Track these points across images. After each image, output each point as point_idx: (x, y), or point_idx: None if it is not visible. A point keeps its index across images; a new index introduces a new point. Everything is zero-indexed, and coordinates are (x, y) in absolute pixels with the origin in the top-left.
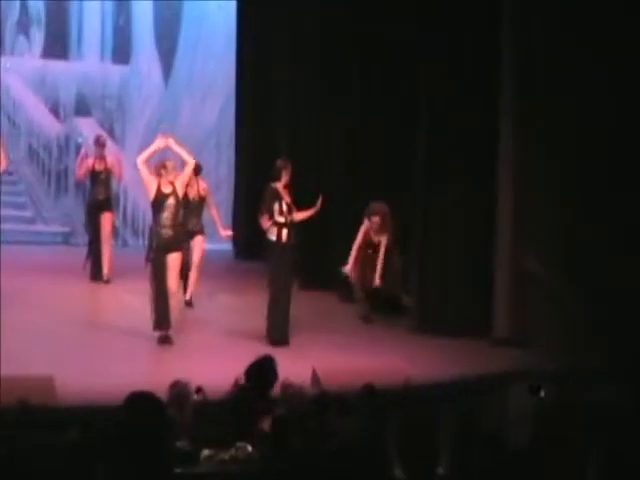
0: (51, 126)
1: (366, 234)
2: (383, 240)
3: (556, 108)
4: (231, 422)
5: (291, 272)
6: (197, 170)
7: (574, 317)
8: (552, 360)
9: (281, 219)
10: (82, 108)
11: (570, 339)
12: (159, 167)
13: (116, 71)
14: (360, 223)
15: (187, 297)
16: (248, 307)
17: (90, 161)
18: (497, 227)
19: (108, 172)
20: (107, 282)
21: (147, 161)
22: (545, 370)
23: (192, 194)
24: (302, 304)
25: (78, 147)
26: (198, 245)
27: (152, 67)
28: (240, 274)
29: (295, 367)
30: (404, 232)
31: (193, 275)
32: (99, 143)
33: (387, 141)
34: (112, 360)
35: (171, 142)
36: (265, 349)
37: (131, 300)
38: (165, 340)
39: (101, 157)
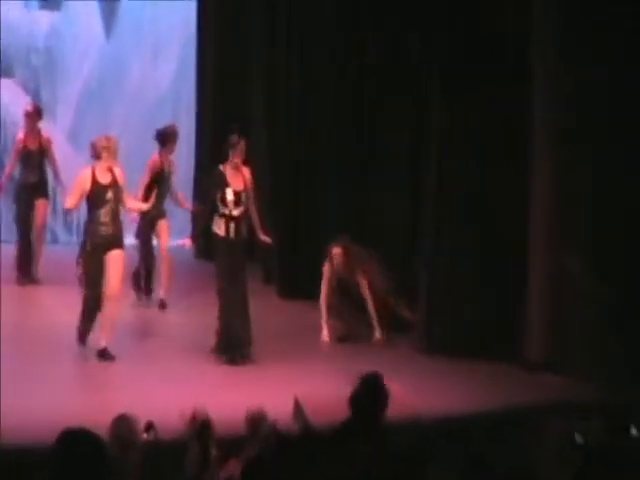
0: None
1: (331, 277)
2: (360, 277)
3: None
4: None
5: (244, 273)
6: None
7: (625, 339)
8: (597, 389)
9: (225, 210)
10: (2, 66)
11: (618, 363)
12: (100, 145)
13: (44, 18)
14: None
15: (161, 296)
16: (210, 316)
17: (20, 137)
18: (529, 228)
19: (43, 150)
20: (37, 283)
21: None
22: (589, 401)
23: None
24: (280, 316)
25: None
26: (163, 232)
27: (90, 13)
28: (200, 277)
29: (270, 395)
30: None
31: (164, 269)
32: (33, 114)
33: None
34: (39, 385)
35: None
36: (230, 370)
37: (63, 307)
38: (103, 355)
39: (34, 132)
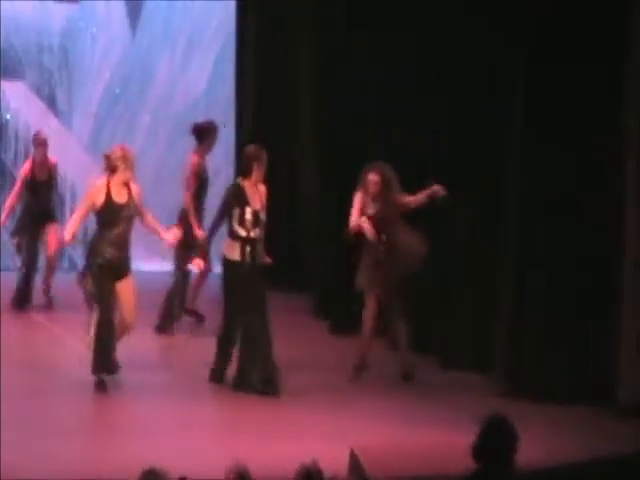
0: None
1: (363, 207)
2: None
3: None
4: None
5: (264, 304)
6: None
7: None
8: None
9: (242, 231)
10: (9, 66)
11: None
12: (114, 157)
13: (60, 12)
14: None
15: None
16: None
17: (26, 167)
18: (623, 276)
19: (51, 178)
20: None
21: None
22: None
23: None
24: (332, 351)
25: (3, 126)
26: None
27: (112, 7)
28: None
29: (320, 443)
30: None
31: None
32: (39, 141)
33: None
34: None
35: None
36: (271, 415)
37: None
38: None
39: (44, 161)
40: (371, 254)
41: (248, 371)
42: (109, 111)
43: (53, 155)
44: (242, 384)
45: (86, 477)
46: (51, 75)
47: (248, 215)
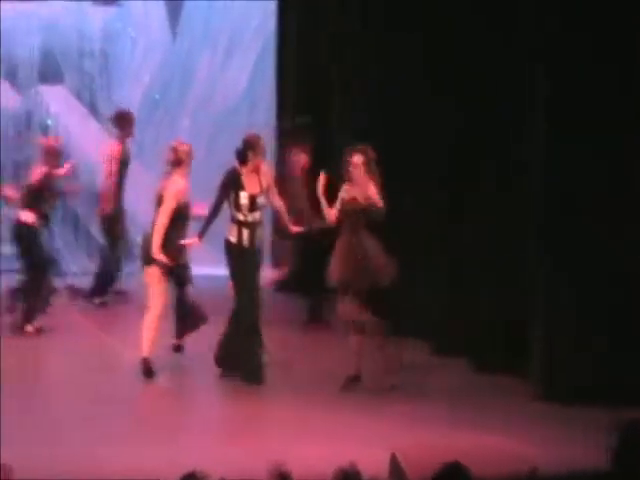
0: (5, 98)
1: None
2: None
3: None
4: None
5: (257, 283)
6: None
7: None
8: None
9: (239, 215)
10: (49, 71)
11: None
12: (181, 150)
13: (98, 15)
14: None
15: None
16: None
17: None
18: None
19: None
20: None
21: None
22: None
23: None
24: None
25: (45, 129)
26: None
27: (152, 8)
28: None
29: (356, 446)
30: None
31: None
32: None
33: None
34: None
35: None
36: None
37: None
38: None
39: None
40: (344, 246)
41: (232, 354)
42: (149, 114)
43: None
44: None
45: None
46: (92, 79)
47: (244, 200)
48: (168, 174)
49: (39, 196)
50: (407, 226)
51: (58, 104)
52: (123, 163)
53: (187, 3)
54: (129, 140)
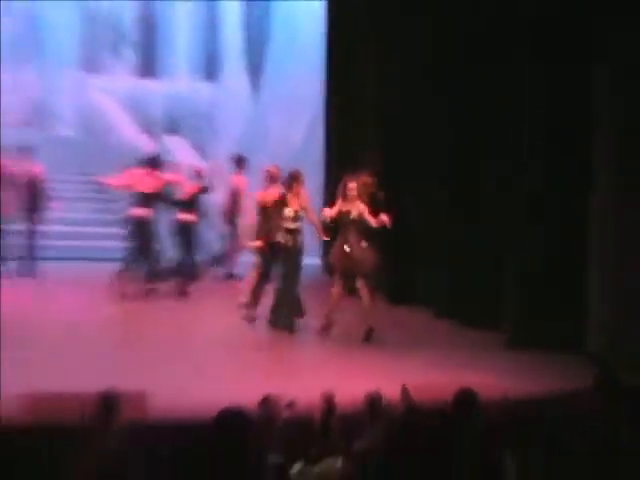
0: (141, 142)
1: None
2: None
3: None
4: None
5: (298, 271)
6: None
7: None
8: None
9: (286, 224)
10: (172, 126)
11: None
12: (297, 176)
13: (205, 88)
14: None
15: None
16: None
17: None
18: (590, 237)
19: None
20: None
21: None
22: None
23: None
24: (391, 319)
25: (170, 167)
26: None
27: (240, 84)
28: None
29: (382, 381)
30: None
31: None
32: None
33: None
34: (203, 375)
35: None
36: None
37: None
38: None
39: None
40: (342, 239)
41: (276, 311)
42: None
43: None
44: (272, 321)
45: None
46: (201, 132)
47: (288, 214)
48: (267, 187)
49: (194, 203)
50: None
51: (178, 149)
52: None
53: (264, 77)
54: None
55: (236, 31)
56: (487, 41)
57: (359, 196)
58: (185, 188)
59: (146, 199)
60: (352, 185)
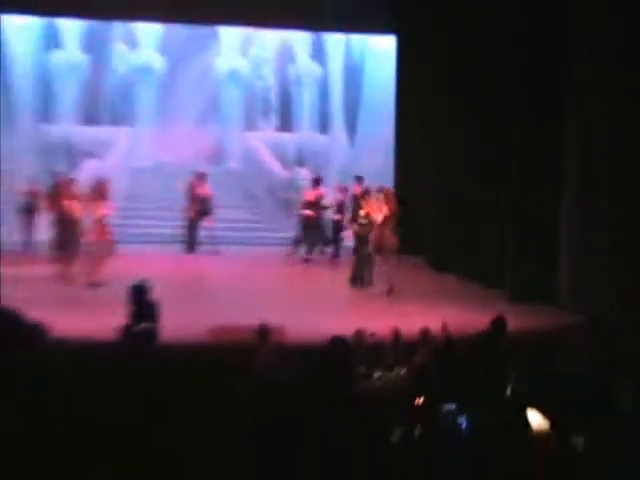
0: (281, 172)
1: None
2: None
3: None
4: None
5: (366, 250)
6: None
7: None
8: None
9: (360, 220)
10: (300, 162)
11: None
12: (366, 192)
13: (321, 138)
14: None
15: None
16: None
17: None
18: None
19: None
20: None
21: None
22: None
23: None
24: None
25: (299, 187)
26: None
27: (341, 135)
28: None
29: (411, 322)
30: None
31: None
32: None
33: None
34: (329, 314)
35: None
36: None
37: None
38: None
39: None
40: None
41: (356, 275)
42: (343, 181)
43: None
44: (353, 282)
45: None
46: (318, 166)
47: (362, 213)
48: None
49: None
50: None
51: (304, 176)
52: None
53: (357, 130)
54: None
55: (339, 97)
56: None
57: (379, 202)
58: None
59: (311, 205)
60: (374, 195)
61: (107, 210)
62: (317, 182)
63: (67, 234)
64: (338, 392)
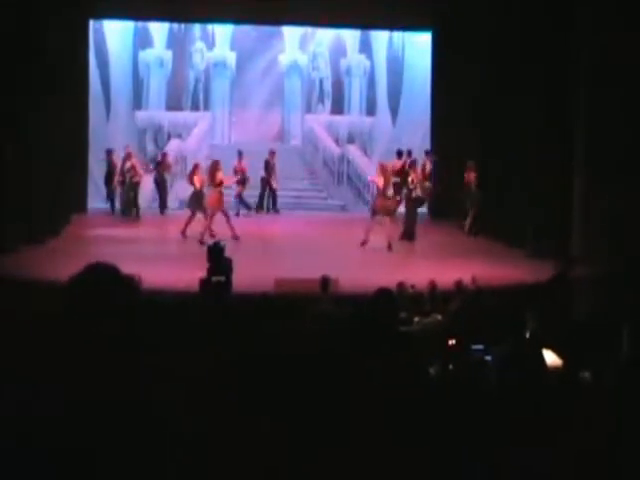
0: (334, 149)
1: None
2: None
3: None
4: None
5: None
6: None
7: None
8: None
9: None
10: (350, 140)
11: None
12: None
13: (368, 120)
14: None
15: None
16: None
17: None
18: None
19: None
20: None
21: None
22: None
23: None
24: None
25: (349, 161)
26: None
27: (386, 117)
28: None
29: (445, 275)
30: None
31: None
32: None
33: None
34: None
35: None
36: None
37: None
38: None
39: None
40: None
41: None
42: (386, 158)
43: None
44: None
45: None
46: (365, 143)
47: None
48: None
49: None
50: None
51: (353, 152)
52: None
53: (399, 112)
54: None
55: (383, 85)
56: None
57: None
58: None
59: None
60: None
61: (224, 181)
62: (400, 154)
63: (194, 201)
64: (385, 333)
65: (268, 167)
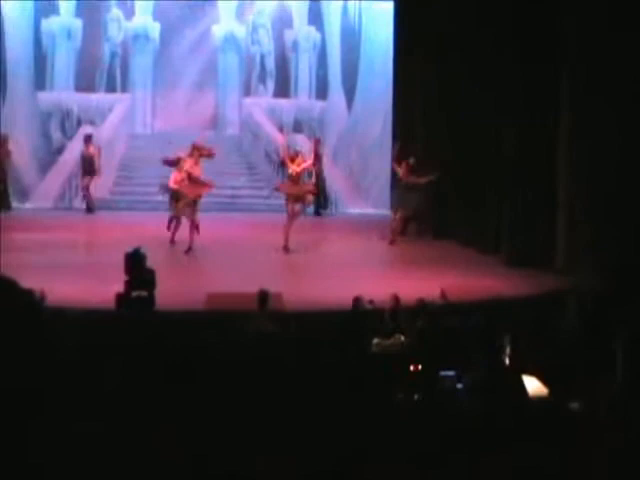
0: (278, 138)
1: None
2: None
3: None
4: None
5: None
6: None
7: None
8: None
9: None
10: (297, 128)
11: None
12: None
13: (318, 104)
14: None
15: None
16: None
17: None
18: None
19: None
20: None
21: None
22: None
23: None
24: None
25: (297, 152)
26: None
27: (340, 101)
28: None
29: (423, 289)
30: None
31: None
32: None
33: None
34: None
35: None
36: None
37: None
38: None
39: None
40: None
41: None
42: (338, 148)
43: None
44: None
45: None
46: (314, 131)
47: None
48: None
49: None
50: None
51: (300, 141)
52: None
53: (355, 96)
54: None
55: (337, 62)
56: None
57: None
58: None
59: None
60: (404, 165)
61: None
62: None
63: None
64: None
65: (316, 157)
